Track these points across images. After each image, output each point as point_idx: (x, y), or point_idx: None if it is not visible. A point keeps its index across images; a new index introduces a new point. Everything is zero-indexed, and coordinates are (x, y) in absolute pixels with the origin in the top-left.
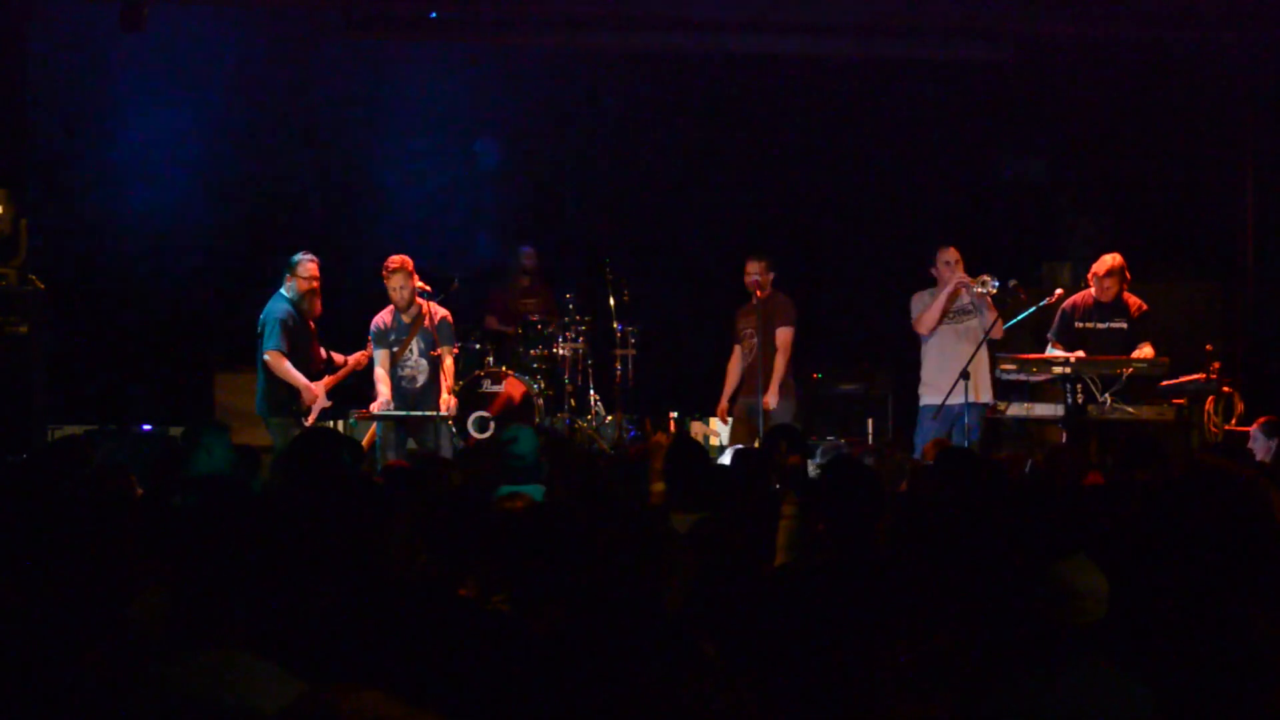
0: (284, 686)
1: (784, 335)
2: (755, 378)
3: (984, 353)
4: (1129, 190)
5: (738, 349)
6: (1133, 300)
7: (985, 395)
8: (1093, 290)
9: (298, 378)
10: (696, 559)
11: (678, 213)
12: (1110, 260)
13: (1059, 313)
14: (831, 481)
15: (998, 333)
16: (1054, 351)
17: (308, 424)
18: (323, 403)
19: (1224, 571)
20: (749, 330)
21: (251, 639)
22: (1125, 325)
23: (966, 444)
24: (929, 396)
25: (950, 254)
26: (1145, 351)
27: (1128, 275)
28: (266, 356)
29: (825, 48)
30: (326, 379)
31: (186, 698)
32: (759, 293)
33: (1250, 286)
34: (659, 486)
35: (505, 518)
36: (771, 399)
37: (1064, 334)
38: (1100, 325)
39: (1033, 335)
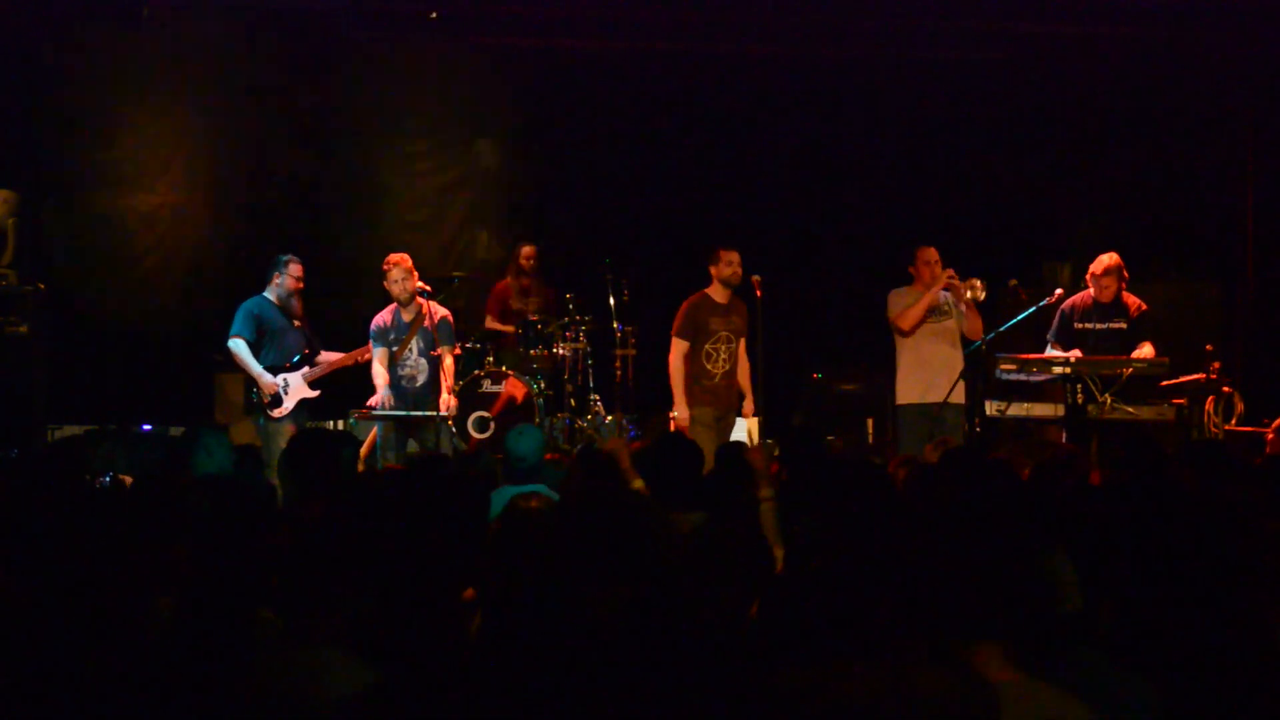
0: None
1: (744, 345)
2: (731, 387)
3: (961, 354)
4: (1129, 190)
5: (686, 345)
6: (1131, 300)
7: (960, 397)
8: (1091, 290)
9: (249, 366)
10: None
11: (678, 212)
12: (1107, 260)
13: (1058, 314)
14: (838, 479)
15: (977, 333)
16: (1053, 352)
17: (275, 415)
18: (303, 393)
19: (1216, 571)
20: (724, 332)
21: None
22: (1124, 325)
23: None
24: (907, 396)
25: (931, 254)
26: (1145, 351)
27: (1125, 274)
28: (228, 345)
29: (826, 48)
30: (307, 370)
31: (286, 694)
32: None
33: (1250, 286)
34: (638, 484)
35: (524, 517)
36: (751, 406)
37: (1063, 335)
38: (1100, 326)
39: (1033, 335)
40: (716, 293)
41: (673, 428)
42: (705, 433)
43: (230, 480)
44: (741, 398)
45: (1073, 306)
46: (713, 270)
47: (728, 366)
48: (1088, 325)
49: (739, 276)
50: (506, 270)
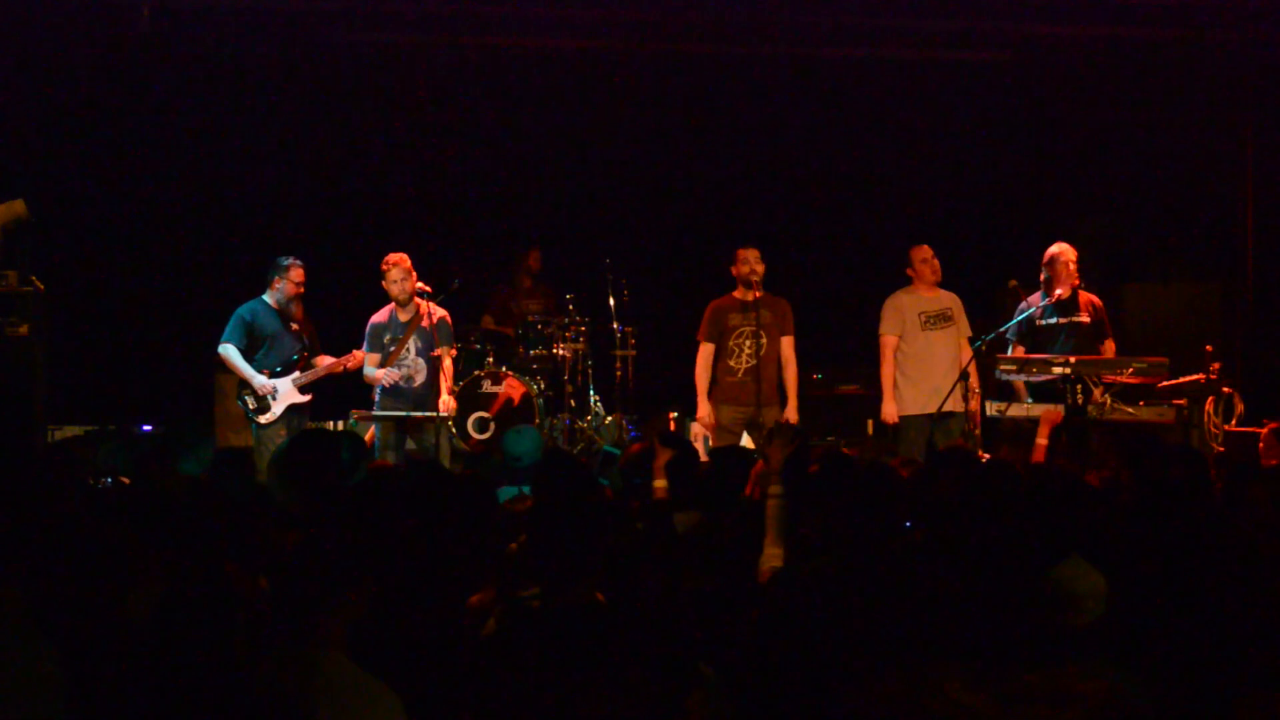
0: (384, 703)
1: (791, 345)
2: (759, 385)
3: (959, 361)
4: (1129, 190)
5: (710, 347)
6: (1086, 297)
7: (958, 404)
8: (1044, 289)
9: (241, 370)
10: (698, 560)
11: (678, 213)
12: (1055, 249)
13: (1020, 316)
14: (831, 481)
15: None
16: (1019, 352)
17: (263, 420)
18: (291, 399)
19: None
20: (749, 328)
21: (343, 641)
22: (1086, 320)
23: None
24: (909, 406)
25: (926, 251)
26: (1108, 349)
27: (1073, 268)
28: (219, 350)
29: (826, 48)
30: (297, 374)
31: (276, 697)
32: (756, 291)
33: (1250, 286)
34: (661, 483)
35: (512, 520)
36: (794, 415)
37: (1027, 334)
38: (1063, 320)
39: None
40: (739, 292)
41: (695, 430)
42: (724, 435)
43: (209, 482)
44: (783, 397)
45: (1033, 307)
46: (732, 270)
47: (752, 363)
48: (1050, 321)
49: (757, 274)
50: (509, 271)
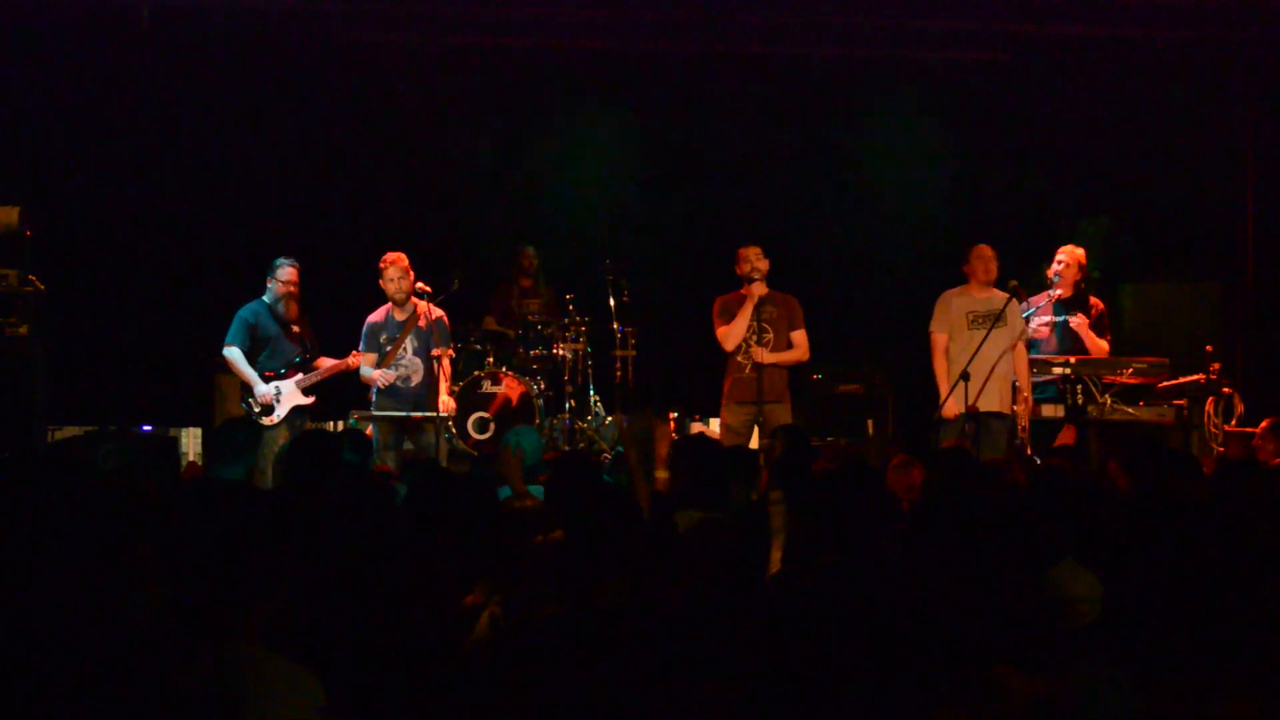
0: (303, 687)
1: (803, 336)
2: (762, 381)
3: (1006, 360)
4: (1129, 190)
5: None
6: (1091, 299)
7: (1003, 405)
8: (1049, 289)
9: (244, 374)
10: (699, 559)
11: (678, 212)
12: (1062, 250)
13: (1026, 314)
14: (835, 483)
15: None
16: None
17: (267, 423)
18: (295, 400)
19: (1217, 572)
20: (754, 324)
21: (272, 637)
22: (1087, 320)
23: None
24: (953, 408)
25: (986, 250)
26: (1101, 344)
27: (1083, 269)
28: (223, 353)
29: (826, 48)
30: (300, 376)
31: (201, 694)
32: (758, 286)
33: (1250, 286)
34: (663, 474)
35: (516, 518)
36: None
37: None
38: (1059, 319)
39: None
40: (744, 288)
41: (696, 430)
42: (733, 436)
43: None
44: (790, 393)
45: (1034, 307)
46: (737, 270)
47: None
48: (1049, 319)
49: (760, 271)
50: (508, 271)
